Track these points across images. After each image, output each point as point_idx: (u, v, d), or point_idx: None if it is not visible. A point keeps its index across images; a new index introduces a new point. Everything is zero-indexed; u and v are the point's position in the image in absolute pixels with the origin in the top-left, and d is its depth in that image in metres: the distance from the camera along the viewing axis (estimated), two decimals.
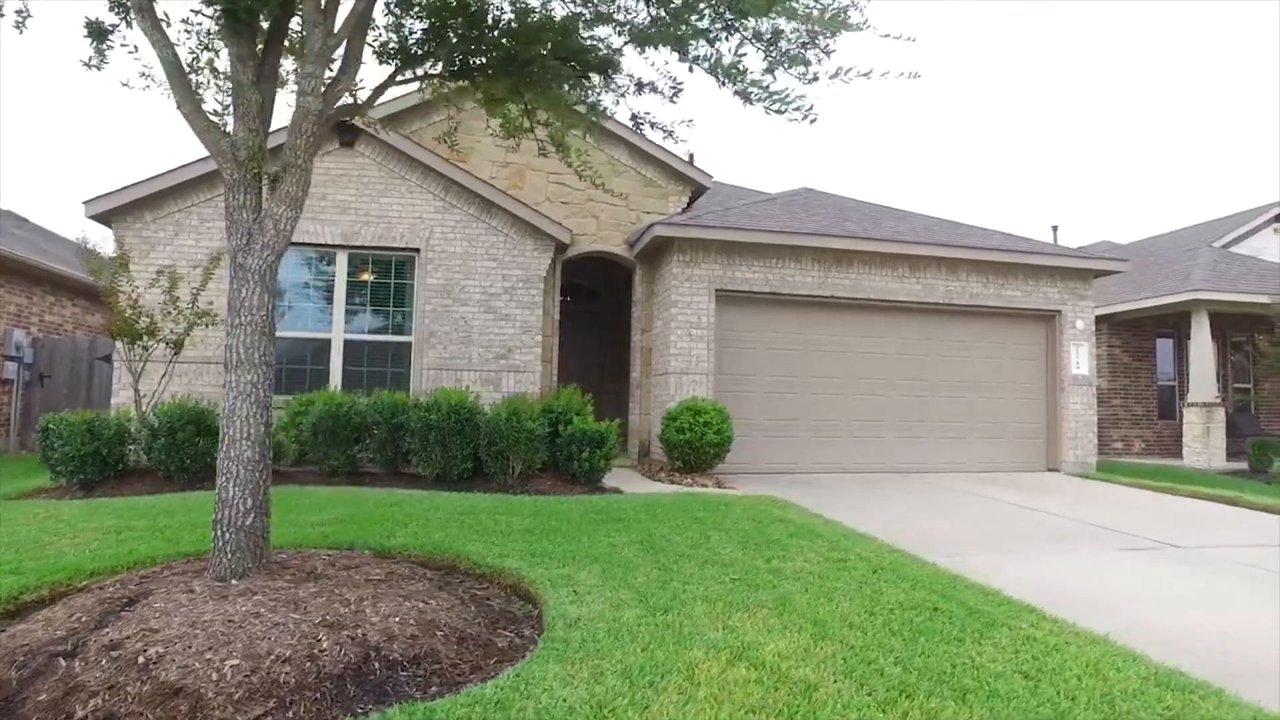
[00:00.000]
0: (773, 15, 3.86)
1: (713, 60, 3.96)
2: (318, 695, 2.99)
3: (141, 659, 2.96)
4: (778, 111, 3.93)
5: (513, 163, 11.04)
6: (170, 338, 8.44)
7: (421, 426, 7.84)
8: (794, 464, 10.46)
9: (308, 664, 3.10)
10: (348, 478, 8.15)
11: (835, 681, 3.13)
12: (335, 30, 3.82)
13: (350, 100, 4.48)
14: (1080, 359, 11.43)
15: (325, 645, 3.22)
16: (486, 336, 10.23)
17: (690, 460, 9.29)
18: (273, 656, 3.08)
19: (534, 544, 5.37)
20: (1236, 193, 62.47)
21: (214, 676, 2.92)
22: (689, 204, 11.55)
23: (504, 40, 4.31)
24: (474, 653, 3.56)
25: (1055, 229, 22.70)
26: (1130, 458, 14.64)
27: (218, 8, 3.71)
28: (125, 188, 9.48)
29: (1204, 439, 13.05)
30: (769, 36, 3.92)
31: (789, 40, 3.93)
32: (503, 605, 4.37)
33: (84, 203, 9.36)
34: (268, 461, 3.89)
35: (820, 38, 3.89)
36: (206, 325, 8.72)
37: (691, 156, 21.96)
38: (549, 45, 4.31)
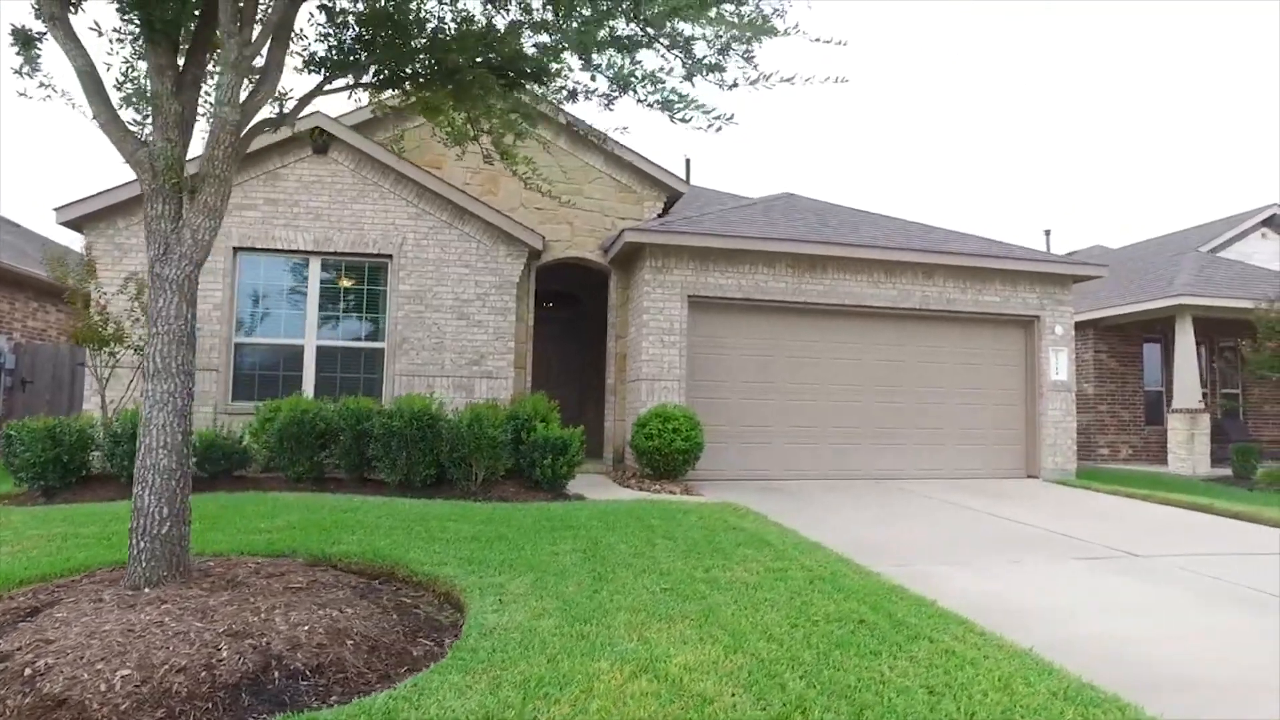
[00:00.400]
0: (685, 20, 3.85)
1: (617, 68, 3.96)
2: (210, 705, 2.98)
3: (29, 671, 2.95)
4: (683, 120, 3.92)
5: (486, 169, 11.04)
6: (139, 344, 8.45)
7: (384, 433, 7.84)
8: (768, 470, 10.42)
9: (203, 674, 3.09)
10: (313, 484, 8.15)
11: (733, 695, 3.10)
12: (252, 40, 3.82)
13: (277, 111, 4.48)
14: (1060, 365, 11.37)
15: (225, 654, 3.21)
16: (459, 342, 10.23)
17: (660, 467, 9.27)
18: (167, 666, 3.07)
19: (477, 551, 5.35)
20: (1232, 195, 62.16)
21: (102, 687, 2.91)
22: (664, 210, 11.54)
23: (430, 49, 4.31)
24: (385, 661, 3.55)
25: (1048, 233, 22.66)
26: (1116, 464, 14.55)
27: (136, 18, 3.70)
28: (97, 194, 9.52)
29: (1188, 445, 12.96)
30: (682, 44, 3.90)
31: (708, 46, 3.92)
32: (431, 613, 4.36)
33: (55, 209, 9.40)
34: (186, 470, 3.88)
35: (737, 45, 3.87)
36: None
37: (688, 162, 22.09)
38: (475, 54, 4.30)
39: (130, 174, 8.96)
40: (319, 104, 8.79)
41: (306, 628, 3.55)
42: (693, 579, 4.78)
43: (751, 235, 10.31)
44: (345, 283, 10.26)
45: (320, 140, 10.04)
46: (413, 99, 4.90)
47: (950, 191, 66.94)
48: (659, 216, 11.37)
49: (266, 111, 4.31)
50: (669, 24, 3.78)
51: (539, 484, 8.02)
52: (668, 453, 9.11)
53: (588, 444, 12.53)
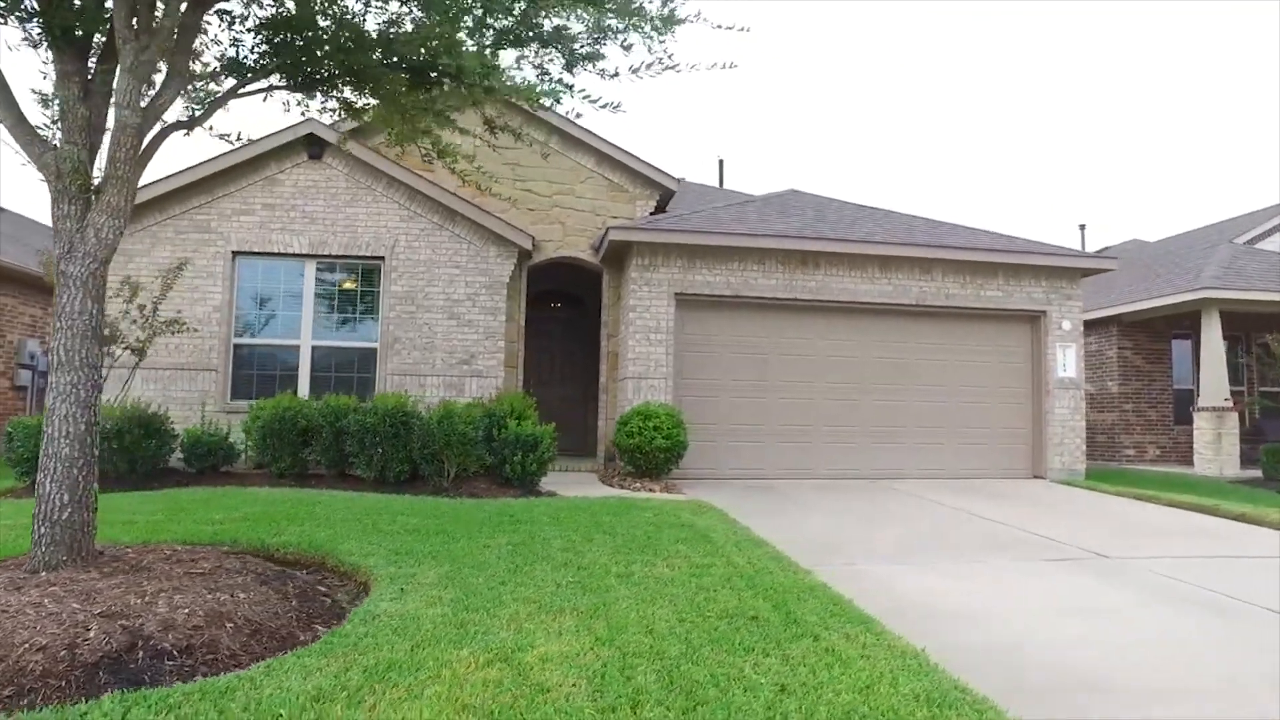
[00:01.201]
0: (584, 10, 3.85)
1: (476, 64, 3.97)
2: (63, 684, 3.07)
3: None
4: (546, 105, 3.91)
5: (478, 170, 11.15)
6: (135, 345, 8.77)
7: (359, 430, 7.99)
8: (761, 470, 10.30)
9: (63, 653, 3.18)
10: (296, 479, 8.35)
11: (574, 686, 3.07)
12: (149, 46, 3.94)
13: (186, 115, 4.60)
14: (1067, 361, 10.98)
15: (92, 634, 3.31)
16: (450, 342, 10.37)
17: (641, 465, 9.24)
18: (27, 645, 3.17)
19: (411, 543, 5.41)
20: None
21: None
22: (658, 208, 11.52)
23: (332, 53, 4.38)
24: (265, 645, 3.61)
25: (1083, 227, 21.94)
26: (1142, 465, 13.97)
27: (37, 25, 3.86)
28: None
29: (1215, 445, 12.38)
30: (564, 39, 3.91)
31: (586, 36, 3.91)
32: (341, 601, 4.45)
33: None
34: (90, 459, 4.02)
35: (618, 34, 3.86)
36: (173, 333, 9.06)
37: (721, 164, 22.12)
38: (375, 56, 4.36)
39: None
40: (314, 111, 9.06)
41: (187, 610, 3.63)
42: (608, 573, 4.76)
43: (740, 232, 10.22)
44: (340, 284, 10.49)
45: (315, 146, 10.30)
46: (329, 102, 4.98)
47: (989, 189, 65.21)
48: (652, 215, 11.35)
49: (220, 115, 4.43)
50: (546, 15, 3.79)
51: (509, 480, 8.07)
52: (648, 451, 9.08)
53: (584, 443, 12.61)
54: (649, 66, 3.86)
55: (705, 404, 10.29)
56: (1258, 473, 12.10)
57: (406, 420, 7.97)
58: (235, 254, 10.26)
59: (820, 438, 10.54)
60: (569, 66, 4.02)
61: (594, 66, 3.94)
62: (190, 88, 4.58)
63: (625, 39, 3.90)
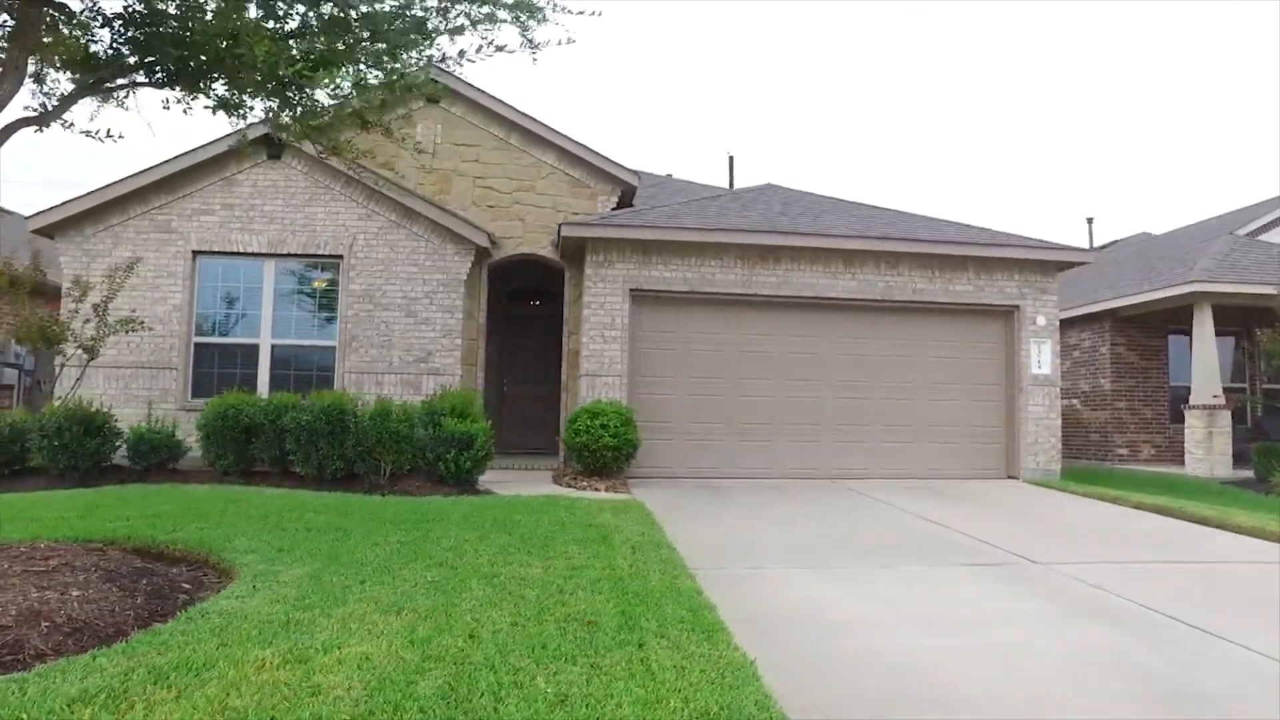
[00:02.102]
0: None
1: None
2: None
3: None
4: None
5: (439, 169, 11.16)
6: (86, 344, 8.86)
7: (295, 427, 7.98)
8: (718, 469, 10.12)
9: None
10: (241, 477, 8.38)
11: (349, 690, 2.95)
12: None
13: (35, 111, 4.57)
14: (1042, 358, 10.64)
15: None
16: (407, 340, 10.34)
17: (589, 464, 9.13)
18: None
19: (301, 541, 5.37)
20: None
21: None
22: (619, 203, 11.39)
23: (178, 46, 4.31)
24: (84, 644, 3.56)
25: (1090, 221, 21.47)
26: (1135, 465, 13.52)
27: None
28: (64, 203, 10.06)
29: (1206, 444, 11.93)
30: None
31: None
32: (201, 598, 4.39)
33: (26, 218, 9.99)
34: None
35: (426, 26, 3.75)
36: (127, 331, 9.14)
37: (731, 160, 21.99)
38: (222, 51, 4.29)
39: (98, 182, 9.29)
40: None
41: None
42: (476, 574, 4.65)
43: (695, 226, 10.06)
44: (299, 283, 10.52)
45: (274, 145, 10.33)
46: (194, 96, 4.93)
47: (1001, 185, 63.91)
48: (614, 210, 11.23)
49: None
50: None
51: (443, 479, 8.00)
52: (595, 449, 8.96)
53: (554, 441, 12.50)
54: (478, 50, 3.75)
55: (662, 402, 10.15)
56: (1251, 473, 11.63)
57: (343, 418, 7.94)
58: (196, 253, 10.34)
59: (782, 437, 10.33)
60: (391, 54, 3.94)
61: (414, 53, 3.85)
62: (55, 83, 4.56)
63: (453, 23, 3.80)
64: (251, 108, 5.20)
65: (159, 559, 5.19)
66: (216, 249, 10.33)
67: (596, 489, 8.73)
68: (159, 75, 4.55)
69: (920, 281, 10.50)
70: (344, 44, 4.42)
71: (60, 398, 8.95)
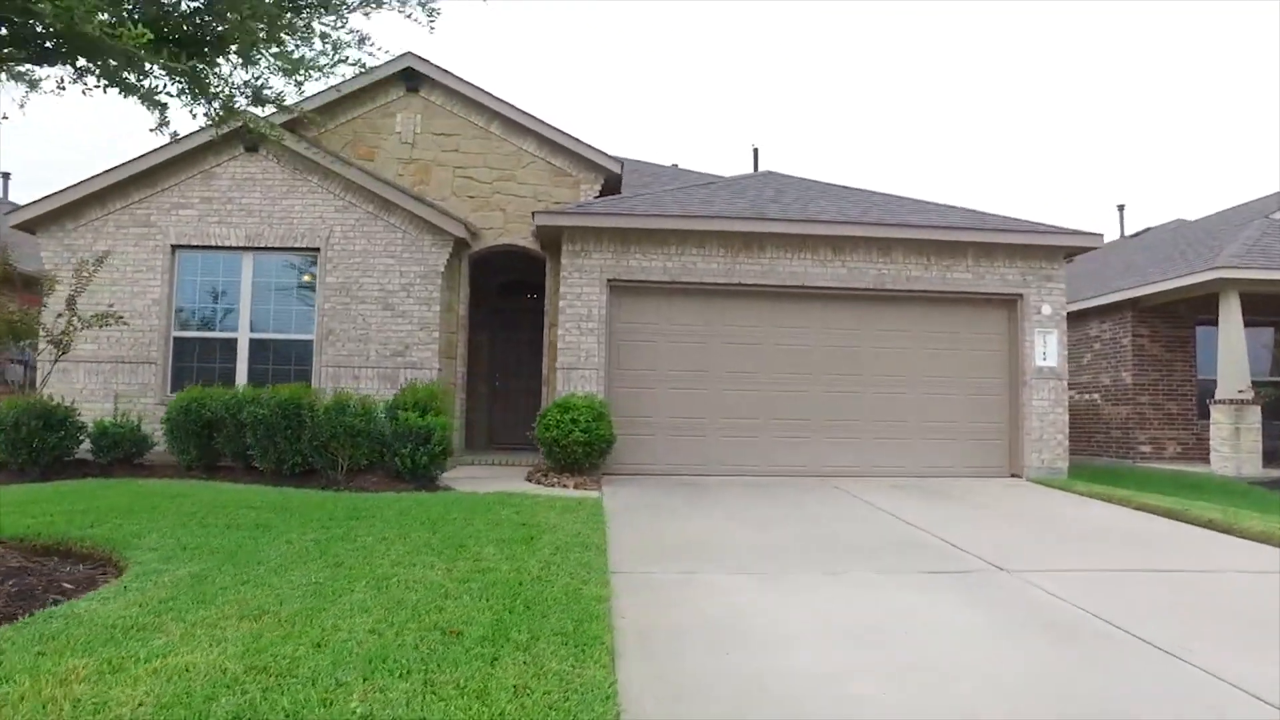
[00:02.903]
0: None
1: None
2: None
3: None
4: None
5: (418, 159, 10.94)
6: (56, 338, 8.82)
7: (253, 421, 7.82)
8: (702, 465, 9.74)
9: None
10: (205, 471, 8.26)
11: (139, 709, 2.70)
12: None
13: None
14: (1048, 349, 10.04)
15: None
16: (384, 334, 10.15)
17: (560, 460, 8.83)
18: None
19: (211, 539, 5.17)
20: None
21: None
22: (603, 191, 11.04)
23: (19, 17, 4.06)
24: None
25: (1121, 208, 20.43)
26: (1159, 463, 12.76)
27: None
28: (44, 198, 10.07)
29: (1233, 441, 11.17)
30: None
31: None
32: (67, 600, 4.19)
33: (4, 214, 10.01)
34: None
35: None
36: (100, 326, 9.08)
37: (756, 152, 21.45)
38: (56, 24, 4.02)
39: (78, 175, 9.23)
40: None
41: None
42: (370, 575, 4.38)
43: (673, 213, 9.67)
44: (277, 277, 10.39)
45: (250, 138, 10.21)
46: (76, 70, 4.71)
47: (1033, 174, 61.89)
48: (597, 199, 10.89)
49: None
50: None
51: (400, 474, 7.77)
52: (565, 444, 8.65)
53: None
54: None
55: (642, 396, 9.80)
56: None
57: (299, 412, 7.76)
58: (175, 247, 10.27)
59: (768, 432, 9.90)
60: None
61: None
62: None
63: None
64: (156, 90, 4.97)
65: (63, 556, 5.04)
66: (195, 243, 10.25)
67: (565, 486, 8.43)
68: (25, 52, 4.34)
69: (915, 269, 9.97)
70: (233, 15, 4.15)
71: (49, 394, 8.93)
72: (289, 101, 5.76)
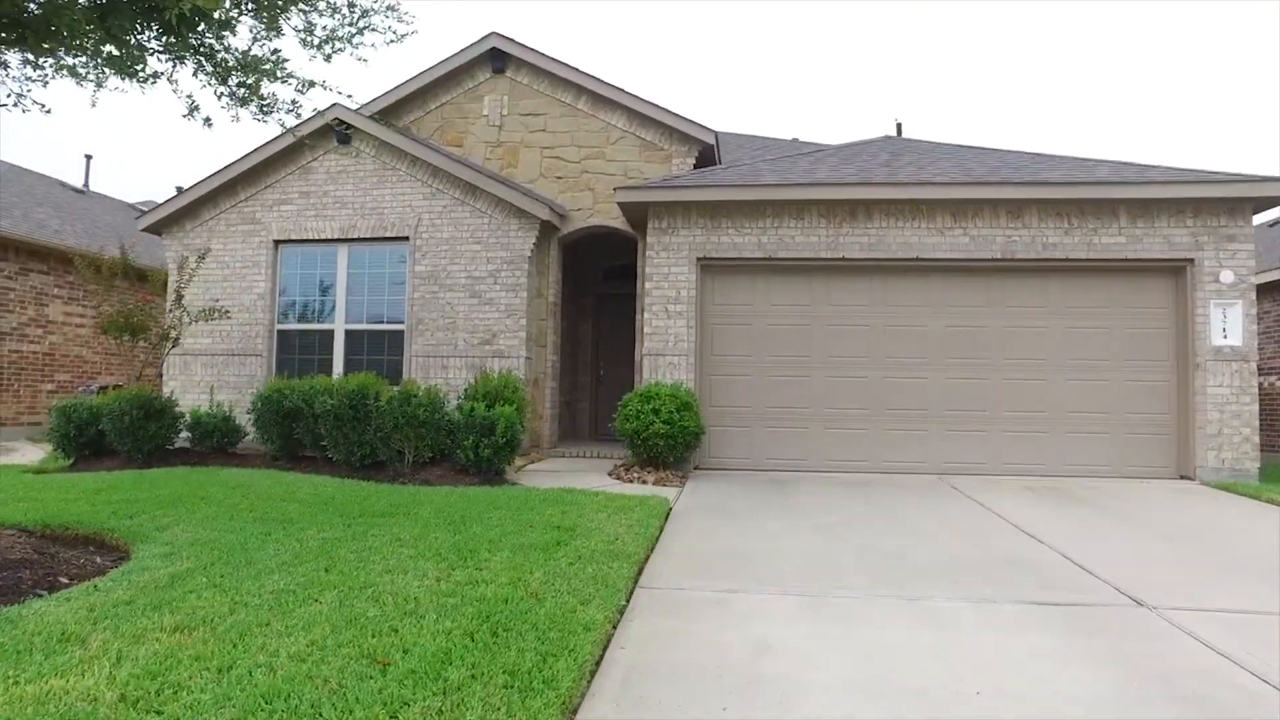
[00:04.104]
0: None
1: None
2: None
3: None
4: None
5: (506, 141, 10.61)
6: (167, 332, 9.20)
7: (324, 412, 7.74)
8: (802, 460, 8.81)
9: None
10: (289, 461, 8.31)
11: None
12: None
13: None
14: (1229, 325, 8.28)
15: None
16: (471, 322, 9.92)
17: (642, 454, 8.21)
18: None
19: (222, 535, 4.97)
20: None
21: None
22: (698, 165, 10.25)
23: None
24: None
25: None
26: None
27: None
28: (165, 202, 10.62)
29: None
30: None
31: None
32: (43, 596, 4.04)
33: (136, 219, 10.62)
34: None
35: None
36: (207, 320, 9.40)
37: (899, 126, 19.93)
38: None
39: (196, 176, 9.62)
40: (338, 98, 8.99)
41: None
42: (348, 583, 3.95)
43: (766, 183, 8.75)
44: (369, 267, 10.41)
45: (343, 130, 10.28)
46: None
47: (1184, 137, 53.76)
48: (687, 173, 10.13)
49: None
50: None
51: (467, 467, 7.42)
52: (645, 437, 8.02)
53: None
54: None
55: (736, 384, 8.98)
56: None
57: (365, 403, 7.59)
58: (277, 242, 10.54)
59: (878, 424, 8.80)
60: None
61: None
62: None
63: None
64: (161, 73, 4.77)
65: (97, 546, 5.01)
66: (295, 237, 10.46)
67: (644, 481, 7.81)
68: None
69: (1053, 234, 8.51)
70: None
71: (170, 385, 9.38)
72: (316, 80, 5.46)
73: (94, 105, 5.51)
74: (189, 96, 5.31)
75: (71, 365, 13.59)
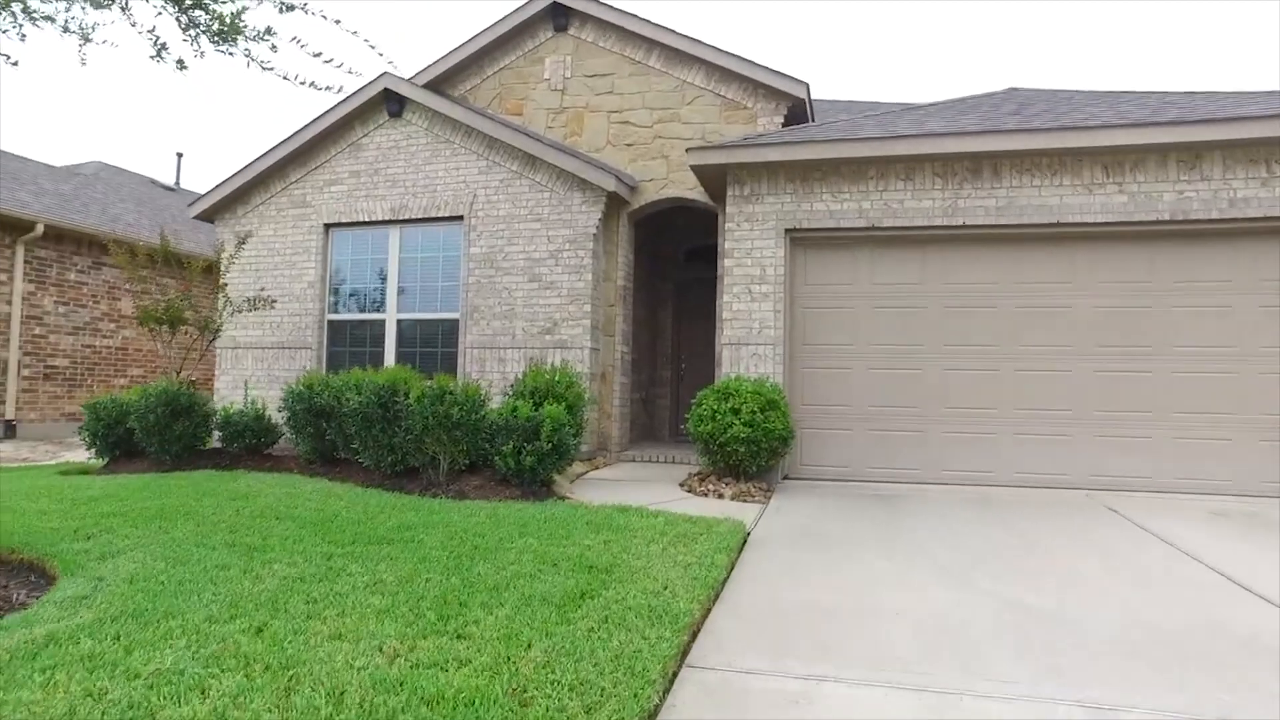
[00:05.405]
0: None
1: None
2: None
3: None
4: None
5: (569, 107, 9.47)
6: (201, 323, 8.52)
7: (350, 411, 6.81)
8: (914, 470, 7.31)
9: None
10: (322, 465, 7.43)
11: None
12: None
13: None
14: None
15: None
16: (531, 308, 8.86)
17: (719, 461, 6.93)
18: None
19: (177, 569, 3.99)
20: None
21: None
22: (787, 123, 8.83)
23: None
24: None
25: None
26: None
27: None
28: (215, 188, 10.04)
29: None
30: None
31: None
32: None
33: (188, 205, 10.10)
34: None
35: None
36: (251, 309, 8.70)
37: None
38: None
39: (242, 161, 9.03)
40: (387, 66, 8.11)
41: None
42: (268, 660, 2.86)
43: (869, 136, 7.27)
44: (422, 251, 9.51)
45: (394, 103, 9.41)
46: None
47: None
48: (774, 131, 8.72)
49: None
50: None
51: (507, 477, 6.31)
52: (722, 441, 6.73)
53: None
54: None
55: (834, 379, 7.56)
56: None
57: (394, 400, 6.60)
58: (327, 226, 9.79)
59: (1009, 427, 7.20)
60: None
61: None
62: None
63: None
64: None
65: (25, 573, 4.19)
66: (345, 220, 9.68)
67: (720, 495, 6.54)
68: None
69: (1246, 186, 6.68)
70: None
71: (220, 378, 8.76)
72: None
73: (83, 64, 4.73)
74: (152, 30, 4.40)
75: (144, 360, 13.41)
